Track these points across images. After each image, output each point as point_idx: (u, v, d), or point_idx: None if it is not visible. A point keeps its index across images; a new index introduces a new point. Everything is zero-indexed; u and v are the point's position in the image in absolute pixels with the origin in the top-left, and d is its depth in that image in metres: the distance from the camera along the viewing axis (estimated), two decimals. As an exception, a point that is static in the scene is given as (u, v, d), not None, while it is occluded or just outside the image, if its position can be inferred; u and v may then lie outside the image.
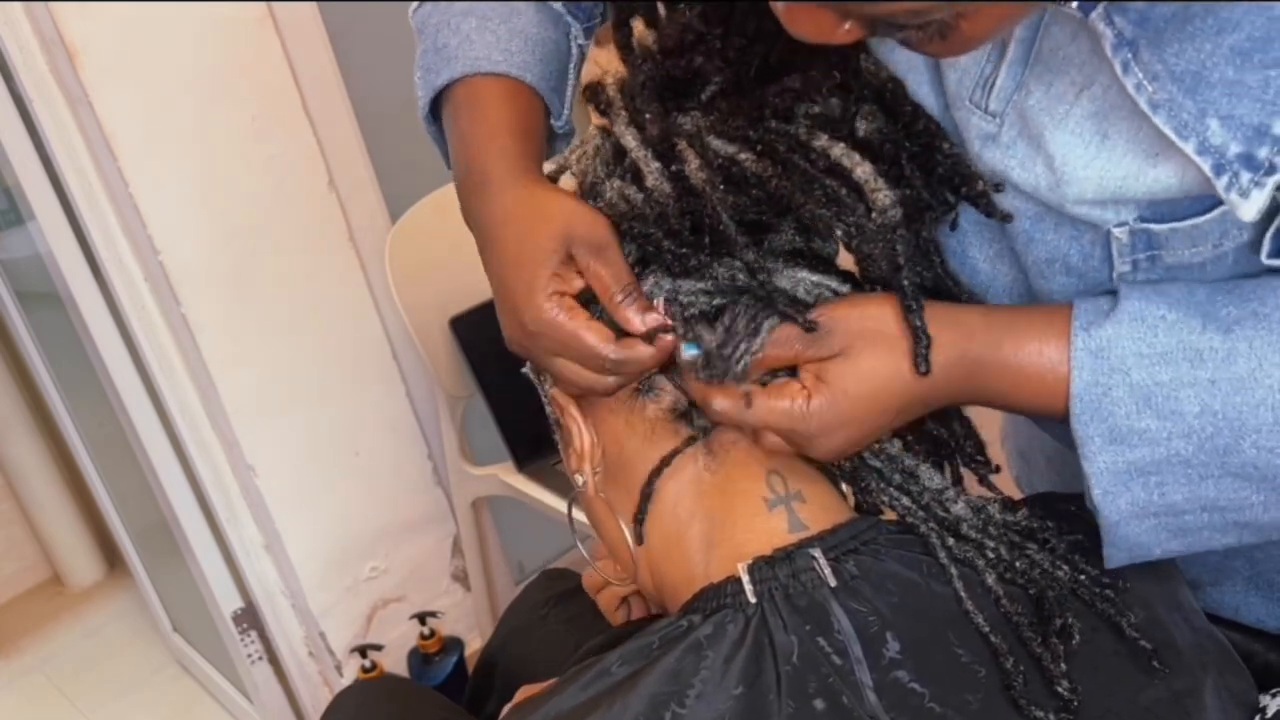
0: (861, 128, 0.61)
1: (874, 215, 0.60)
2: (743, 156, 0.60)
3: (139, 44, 1.39)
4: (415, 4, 0.78)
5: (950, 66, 0.61)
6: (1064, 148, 0.56)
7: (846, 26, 0.49)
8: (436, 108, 0.76)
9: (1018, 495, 0.85)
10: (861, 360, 0.59)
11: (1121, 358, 0.55)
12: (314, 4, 1.55)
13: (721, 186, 0.61)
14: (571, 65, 0.78)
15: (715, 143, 0.61)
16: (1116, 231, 0.57)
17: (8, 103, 1.43)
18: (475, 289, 1.62)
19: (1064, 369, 0.57)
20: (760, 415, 0.60)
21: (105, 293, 1.54)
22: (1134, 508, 0.57)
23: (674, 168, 0.62)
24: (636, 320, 0.61)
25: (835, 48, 0.52)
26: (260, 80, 1.50)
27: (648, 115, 0.63)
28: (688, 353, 0.61)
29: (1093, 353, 0.56)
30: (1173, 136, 0.51)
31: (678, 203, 0.61)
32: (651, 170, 0.62)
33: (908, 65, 0.63)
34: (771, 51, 0.62)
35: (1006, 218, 0.61)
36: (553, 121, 0.76)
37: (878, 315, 0.60)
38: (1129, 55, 0.52)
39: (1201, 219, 0.55)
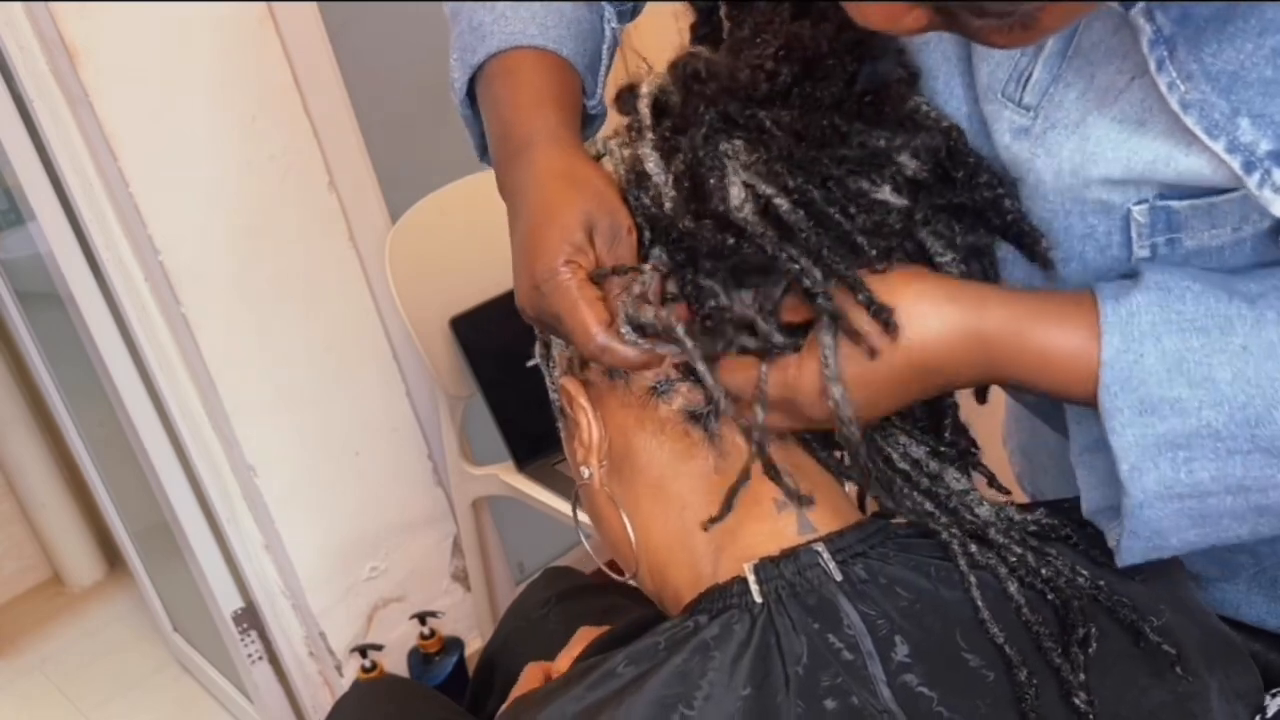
0: (910, 167, 0.60)
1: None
2: (779, 201, 0.59)
3: (139, 44, 1.39)
4: None
5: (983, 60, 0.61)
6: (1101, 131, 0.55)
7: (914, 15, 0.48)
8: (471, 89, 0.75)
9: (1018, 494, 0.85)
10: None
11: (1153, 324, 0.54)
12: (314, 4, 1.55)
13: (755, 219, 0.60)
14: (605, 46, 0.78)
15: (758, 181, 0.60)
16: (1136, 210, 0.56)
17: (8, 103, 1.43)
18: (475, 289, 1.63)
19: (1093, 341, 0.55)
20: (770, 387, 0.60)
21: (105, 293, 1.54)
22: (1160, 486, 0.55)
23: (703, 205, 0.61)
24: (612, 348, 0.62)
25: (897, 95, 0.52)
26: (260, 80, 1.50)
27: (684, 141, 0.63)
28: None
29: (1122, 320, 0.55)
30: (1203, 136, 0.51)
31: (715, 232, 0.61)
32: (669, 197, 0.62)
33: (941, 58, 0.63)
34: (841, 102, 0.61)
35: (1049, 265, 0.61)
36: (586, 100, 0.75)
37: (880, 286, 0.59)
38: (1164, 53, 0.51)
39: (1220, 198, 0.54)
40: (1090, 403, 0.56)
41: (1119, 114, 0.55)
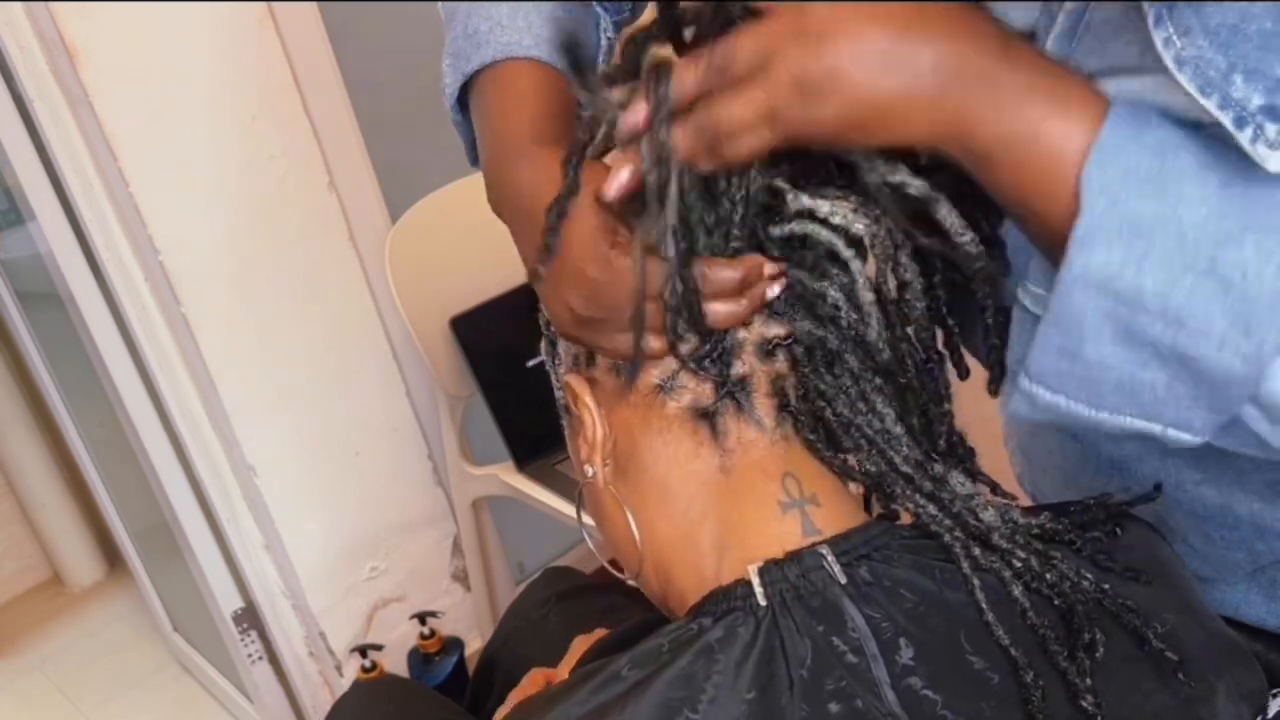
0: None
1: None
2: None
3: (139, 44, 1.39)
4: None
5: None
6: (1118, 87, 0.55)
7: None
8: (464, 95, 0.75)
9: (1019, 494, 0.85)
10: None
11: (1163, 122, 0.53)
12: (314, 4, 1.55)
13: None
14: (601, 56, 0.77)
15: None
16: None
17: (8, 103, 1.43)
18: (475, 289, 1.63)
19: (1095, 119, 0.53)
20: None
21: (105, 293, 1.54)
22: (1103, 272, 0.52)
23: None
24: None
25: None
26: (260, 80, 1.50)
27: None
28: None
29: (1132, 111, 0.53)
30: (1195, 94, 0.50)
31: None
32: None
33: None
34: None
35: None
36: (583, 113, 0.75)
37: None
38: (1163, 10, 0.51)
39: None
40: (1058, 200, 0.53)
41: (1135, 88, 0.54)
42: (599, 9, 0.77)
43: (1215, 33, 0.50)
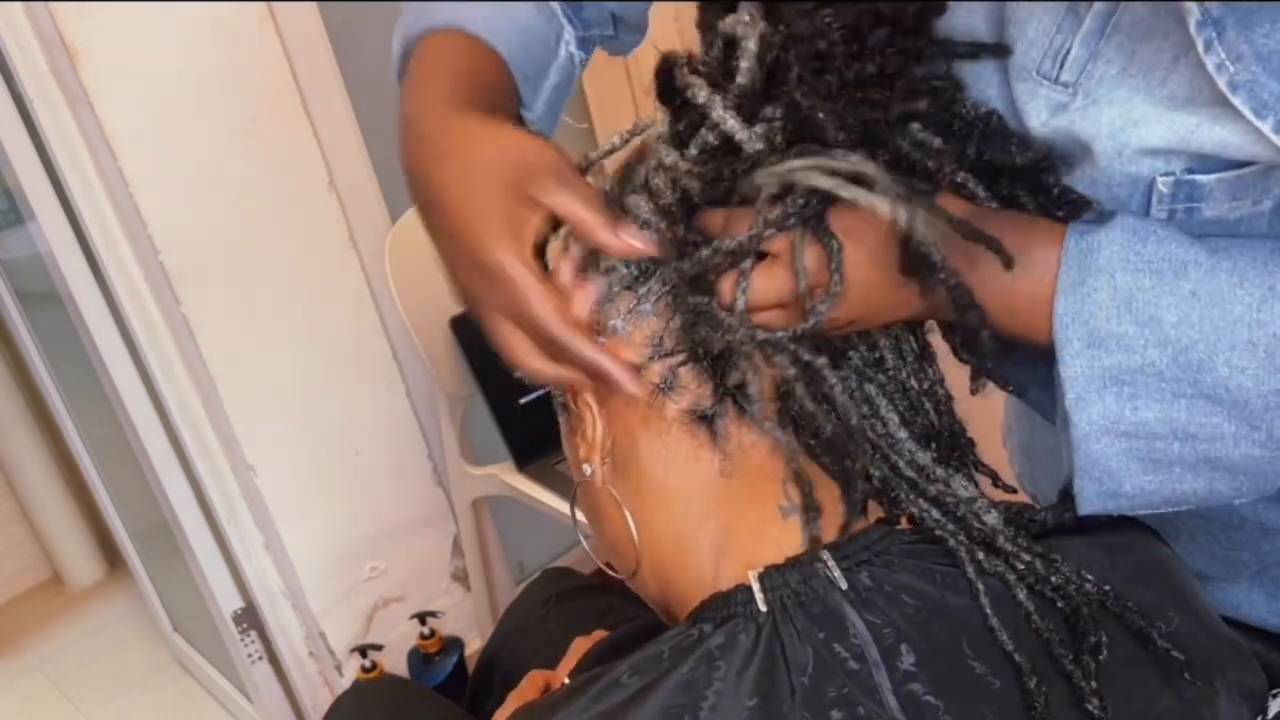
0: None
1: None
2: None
3: (139, 44, 1.39)
4: None
5: (1016, 41, 0.61)
6: (1146, 107, 0.56)
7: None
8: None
9: (1020, 493, 0.85)
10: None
11: (1109, 260, 0.56)
12: (314, 4, 1.55)
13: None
14: (555, 66, 0.76)
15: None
16: (1161, 181, 0.57)
17: (8, 103, 1.43)
18: (475, 289, 1.63)
19: (1052, 270, 0.57)
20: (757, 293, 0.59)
21: (105, 293, 1.54)
22: (1105, 420, 0.57)
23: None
24: (626, 240, 0.58)
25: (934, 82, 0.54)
26: (260, 80, 1.50)
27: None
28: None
29: (1083, 253, 0.56)
30: (1250, 117, 0.51)
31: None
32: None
33: (970, 39, 0.63)
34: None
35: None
36: (523, 111, 0.74)
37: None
38: (1213, 34, 0.51)
39: (1247, 170, 0.55)
40: (1048, 340, 0.57)
41: (1167, 93, 0.55)
42: (562, 19, 0.76)
43: (1268, 59, 0.50)
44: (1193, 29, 0.52)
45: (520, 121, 0.74)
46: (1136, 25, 0.56)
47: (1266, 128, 0.51)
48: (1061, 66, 0.59)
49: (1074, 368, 0.56)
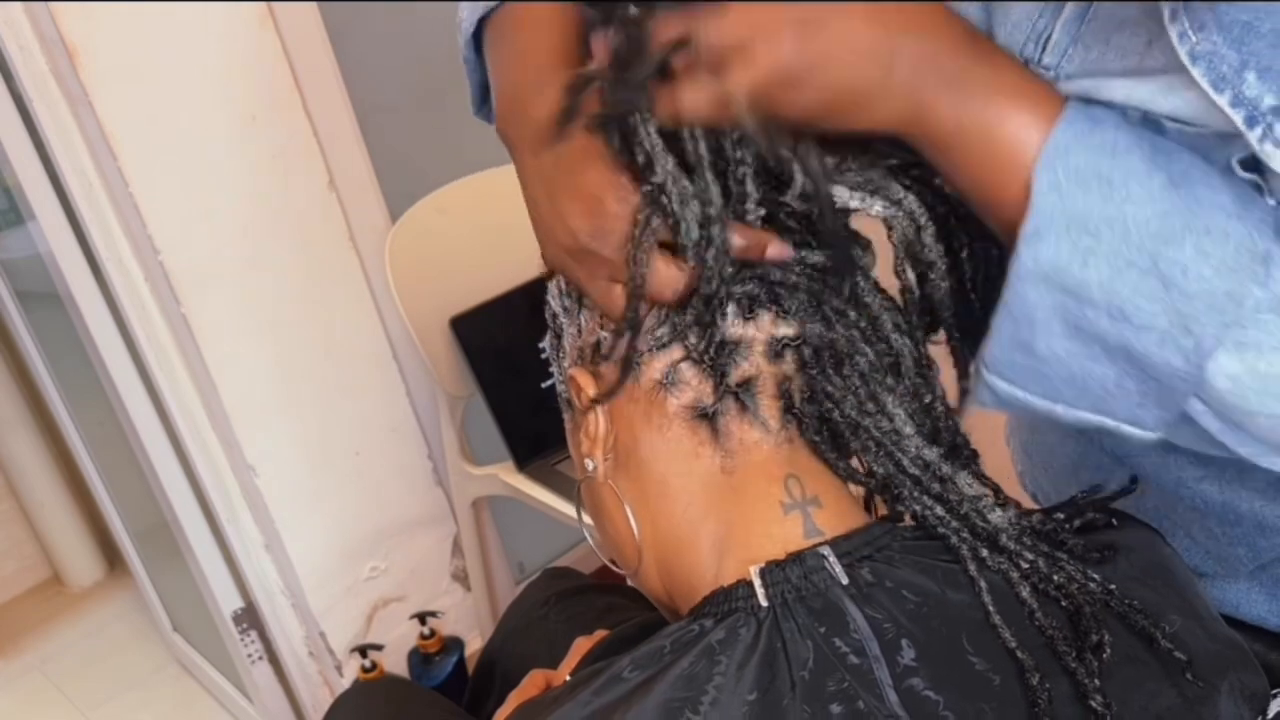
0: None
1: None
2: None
3: (139, 44, 1.39)
4: None
5: (1000, 24, 0.61)
6: (1115, 81, 0.56)
7: None
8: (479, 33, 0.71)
9: (1020, 494, 0.85)
10: None
11: (1115, 125, 0.54)
12: (314, 4, 1.55)
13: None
14: None
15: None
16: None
17: (8, 103, 1.43)
18: (475, 289, 1.63)
19: (1050, 116, 0.54)
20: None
21: (105, 293, 1.54)
22: (1052, 265, 0.54)
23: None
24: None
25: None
26: (260, 80, 1.50)
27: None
28: None
29: (1085, 111, 0.55)
30: (1209, 90, 0.51)
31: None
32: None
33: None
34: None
35: None
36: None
37: None
38: (1179, 5, 0.51)
39: (1205, 129, 0.54)
40: (1012, 194, 0.55)
41: (1138, 71, 0.55)
42: None
43: (1229, 29, 0.50)
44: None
45: None
46: (1114, 12, 0.56)
47: (1223, 102, 0.51)
48: (1044, 49, 0.59)
49: (1047, 199, 0.53)
